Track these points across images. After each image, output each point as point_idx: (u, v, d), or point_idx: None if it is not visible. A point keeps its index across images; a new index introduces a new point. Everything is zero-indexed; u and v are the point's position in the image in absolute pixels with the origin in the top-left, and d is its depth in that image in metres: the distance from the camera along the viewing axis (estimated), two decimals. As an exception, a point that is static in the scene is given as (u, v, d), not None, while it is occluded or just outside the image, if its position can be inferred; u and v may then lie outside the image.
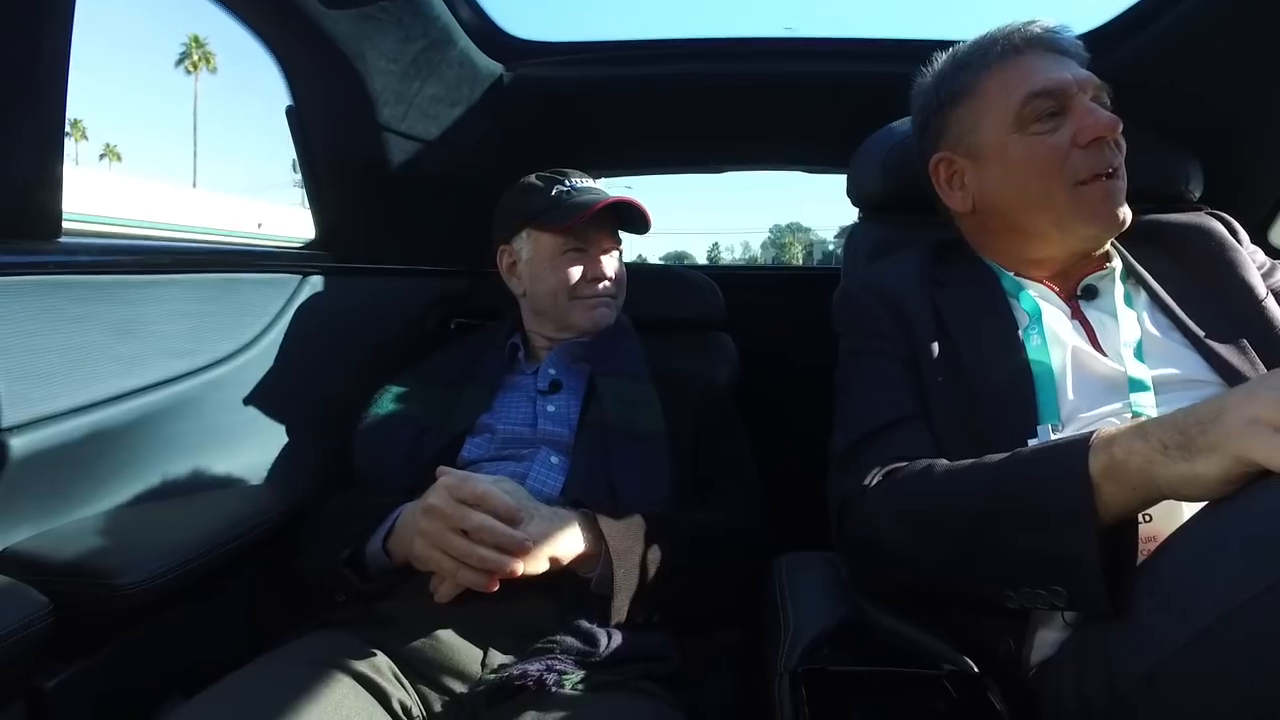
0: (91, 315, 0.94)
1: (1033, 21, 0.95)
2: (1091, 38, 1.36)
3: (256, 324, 1.21)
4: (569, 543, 0.85)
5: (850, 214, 1.37)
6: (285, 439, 1.24)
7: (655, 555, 0.88)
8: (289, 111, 1.35)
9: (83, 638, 0.85)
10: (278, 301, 1.25)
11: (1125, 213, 0.90)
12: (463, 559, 0.80)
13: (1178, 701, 0.55)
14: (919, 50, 1.09)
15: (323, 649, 0.82)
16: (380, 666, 0.81)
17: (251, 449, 1.18)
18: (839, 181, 1.39)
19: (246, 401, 1.18)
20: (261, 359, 1.21)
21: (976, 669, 0.71)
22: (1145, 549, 0.64)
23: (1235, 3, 1.19)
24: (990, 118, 0.94)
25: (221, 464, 1.12)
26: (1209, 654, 0.52)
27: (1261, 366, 0.84)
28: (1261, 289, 0.91)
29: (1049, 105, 0.90)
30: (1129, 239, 0.99)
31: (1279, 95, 1.27)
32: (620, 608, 0.85)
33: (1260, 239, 1.37)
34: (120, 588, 0.82)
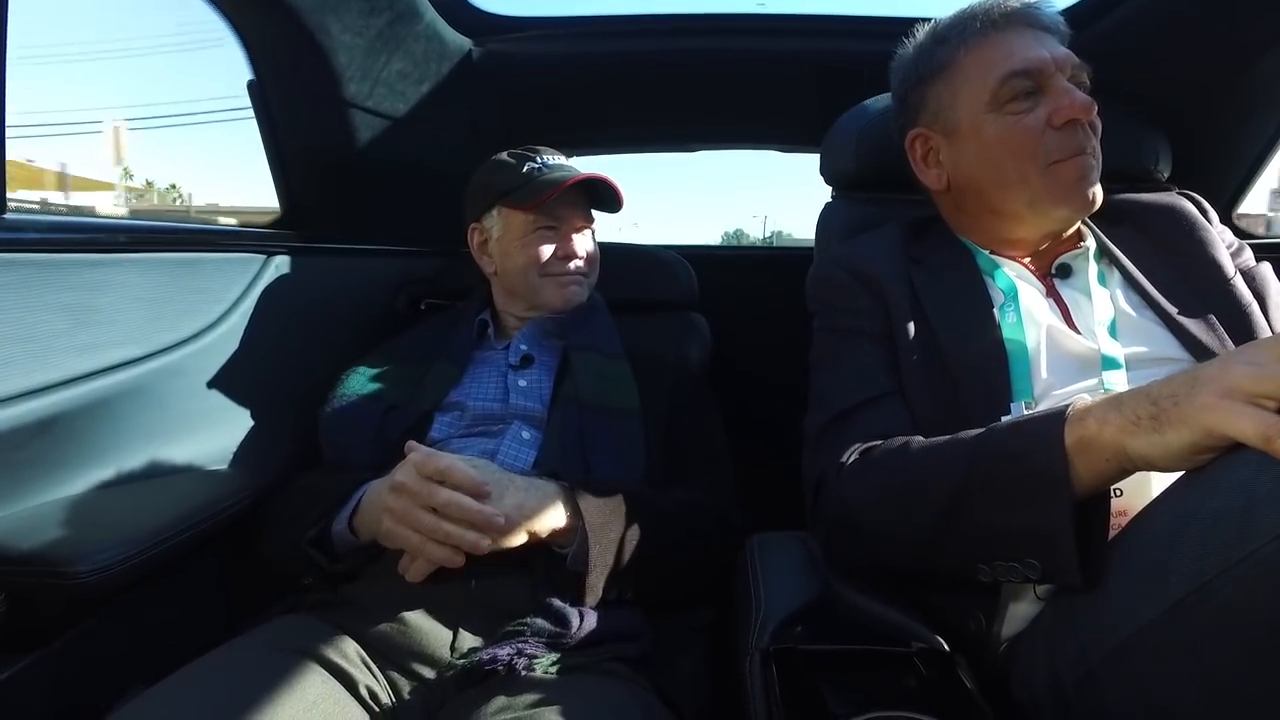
0: (42, 295, 0.90)
1: (1034, 4, 0.94)
2: (1063, 17, 1.37)
3: (219, 305, 1.18)
4: (547, 516, 0.84)
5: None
6: (251, 422, 1.21)
7: (632, 532, 0.87)
8: (250, 86, 1.31)
9: (37, 629, 0.82)
10: (241, 282, 1.22)
11: (1097, 193, 0.90)
12: (431, 535, 0.79)
13: (1146, 673, 0.55)
14: (892, 27, 1.09)
15: (288, 635, 0.81)
16: (347, 652, 0.80)
17: (216, 433, 1.16)
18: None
19: (210, 384, 1.15)
20: (225, 341, 1.18)
21: (947, 646, 0.71)
22: (1116, 523, 0.65)
23: None
24: (967, 95, 0.94)
25: (184, 448, 1.09)
26: (1178, 627, 0.52)
27: (1229, 343, 0.85)
28: (1230, 267, 0.93)
29: (1026, 85, 0.90)
30: (1103, 218, 1.00)
31: (1247, 78, 1.28)
32: (595, 584, 0.84)
33: (1226, 219, 1.39)
34: (73, 576, 0.80)
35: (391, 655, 0.81)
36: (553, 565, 0.87)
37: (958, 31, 0.95)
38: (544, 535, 0.84)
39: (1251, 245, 1.00)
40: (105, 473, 0.99)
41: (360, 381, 1.11)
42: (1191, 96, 1.33)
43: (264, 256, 1.27)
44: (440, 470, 0.81)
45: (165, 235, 1.12)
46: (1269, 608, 0.47)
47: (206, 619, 1.04)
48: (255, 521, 1.03)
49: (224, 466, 1.15)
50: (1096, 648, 0.59)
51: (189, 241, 1.14)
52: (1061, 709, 0.64)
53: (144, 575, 0.89)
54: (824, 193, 1.31)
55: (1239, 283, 0.91)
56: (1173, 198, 1.03)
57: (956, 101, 0.95)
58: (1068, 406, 0.63)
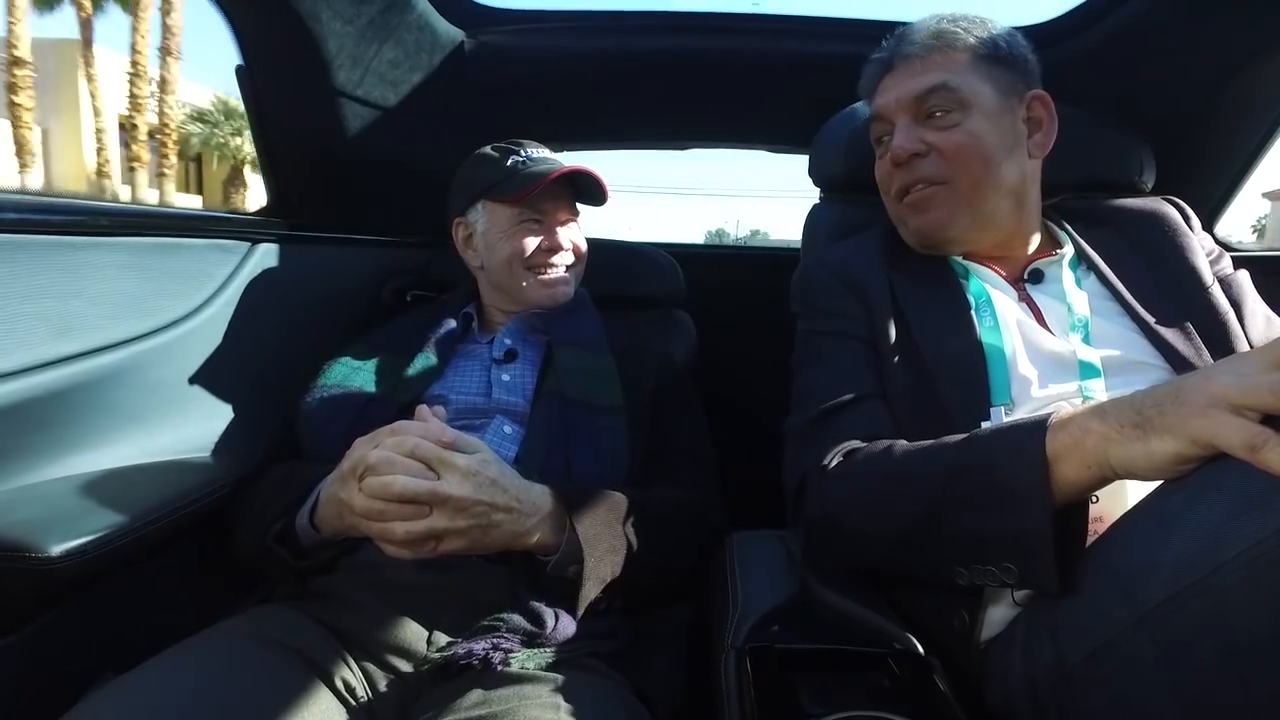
0: (20, 277, 0.89)
1: (902, 32, 1.00)
2: (1048, 29, 1.38)
3: (202, 291, 1.16)
4: (534, 530, 0.82)
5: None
6: (232, 411, 1.20)
7: (625, 543, 0.86)
8: (239, 71, 1.29)
9: (9, 614, 0.81)
10: (225, 268, 1.21)
11: (935, 219, 0.96)
12: (373, 515, 0.76)
13: (1121, 679, 0.56)
14: (883, 31, 1.09)
15: (264, 625, 0.80)
16: (323, 644, 0.79)
17: (196, 420, 1.15)
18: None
19: (191, 371, 1.14)
20: (208, 327, 1.16)
21: (923, 649, 0.71)
22: (1093, 529, 0.66)
23: None
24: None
25: (163, 436, 1.08)
26: (1154, 633, 0.53)
27: (1204, 350, 0.86)
28: (1208, 275, 0.94)
29: (882, 128, 1.01)
30: (1085, 222, 1.02)
31: (1229, 89, 1.30)
32: (589, 596, 0.83)
33: (1209, 229, 1.40)
34: (47, 562, 0.79)
35: (368, 647, 0.81)
36: (532, 561, 0.86)
37: (865, 79, 1.05)
38: (528, 542, 0.82)
39: (1231, 256, 1.01)
40: (82, 458, 0.98)
41: (342, 372, 1.10)
42: (1175, 107, 1.34)
43: (249, 244, 1.26)
44: (390, 430, 0.79)
45: (148, 219, 1.11)
46: (1243, 616, 0.48)
47: (183, 608, 1.03)
48: (228, 512, 1.02)
49: (204, 454, 1.14)
50: (1073, 652, 0.60)
51: (172, 226, 1.13)
52: (1037, 712, 0.65)
53: (119, 562, 0.88)
54: (794, 201, 1.32)
55: (1216, 290, 0.93)
56: (1157, 203, 1.05)
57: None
58: (1049, 415, 0.64)
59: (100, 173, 17.21)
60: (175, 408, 1.11)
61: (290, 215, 1.39)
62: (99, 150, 17.28)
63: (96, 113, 17.00)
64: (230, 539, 0.99)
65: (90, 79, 16.98)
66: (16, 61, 14.58)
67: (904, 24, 1.05)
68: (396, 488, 0.74)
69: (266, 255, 1.28)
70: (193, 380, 1.14)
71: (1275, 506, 0.47)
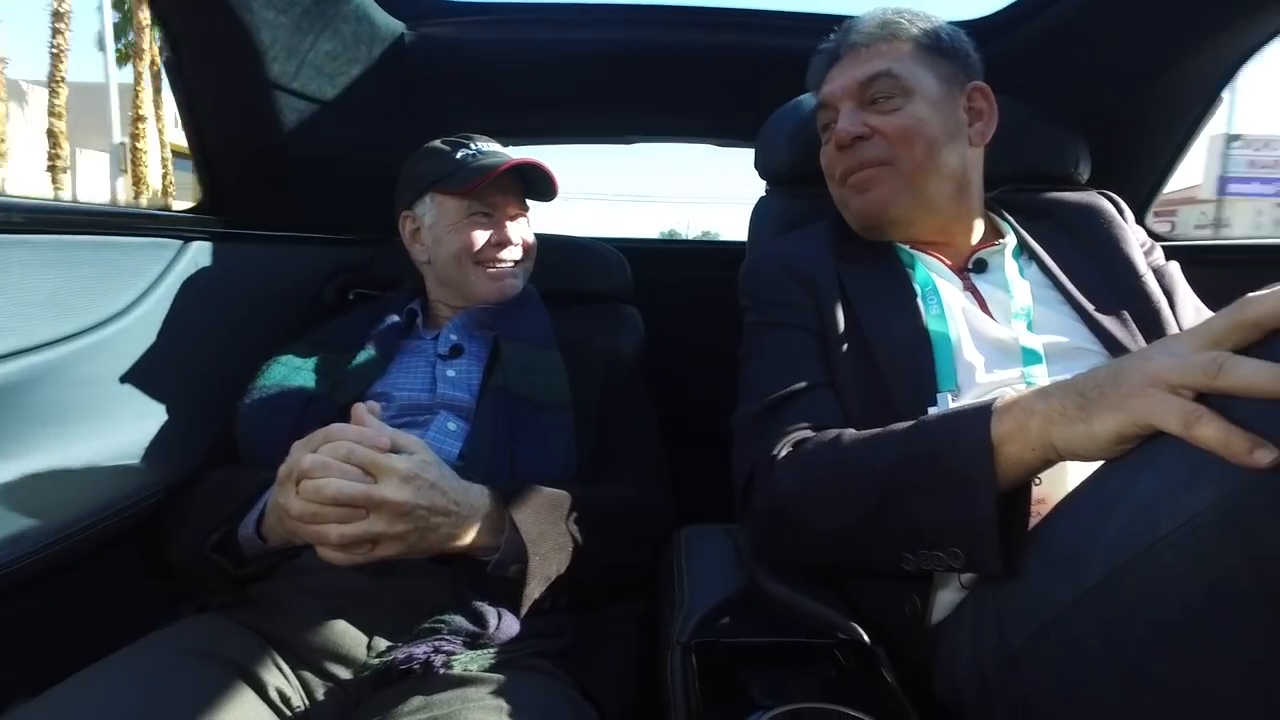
0: None
1: (849, 23, 1.04)
2: (990, 23, 1.41)
3: (129, 292, 1.12)
4: (472, 532, 0.81)
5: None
6: (165, 415, 1.15)
7: (569, 540, 0.85)
8: (166, 63, 1.24)
9: None
10: (155, 268, 1.16)
11: (874, 200, 0.99)
12: (307, 518, 0.74)
13: (1064, 657, 0.57)
14: (829, 24, 1.10)
15: (194, 636, 0.77)
16: (258, 653, 0.76)
17: (125, 426, 1.09)
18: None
19: (119, 375, 1.09)
20: (137, 328, 1.12)
21: (870, 638, 0.72)
22: (1036, 511, 0.67)
23: None
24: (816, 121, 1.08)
25: (89, 441, 1.03)
26: (1095, 611, 0.54)
27: (1139, 336, 0.89)
28: (1142, 265, 0.98)
29: (827, 115, 1.03)
30: (1026, 214, 1.05)
31: (1158, 86, 1.34)
32: (533, 595, 0.81)
33: (1140, 219, 1.45)
34: None
35: (304, 655, 0.78)
36: (473, 562, 0.84)
37: (817, 60, 1.07)
38: (466, 544, 0.81)
39: (1162, 246, 1.05)
40: (1, 464, 0.93)
41: (281, 372, 1.06)
42: (1109, 102, 1.38)
43: (181, 242, 1.21)
44: (326, 434, 0.77)
45: (70, 216, 1.06)
46: (1177, 590, 0.49)
47: (111, 622, 0.98)
48: (163, 520, 0.98)
49: (135, 459, 1.09)
50: (1017, 632, 0.61)
51: (95, 224, 1.08)
52: (983, 694, 0.65)
53: (40, 575, 0.84)
54: (739, 201, 1.33)
55: (1150, 280, 0.96)
56: (1093, 197, 1.08)
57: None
58: (993, 400, 0.65)
59: (165, 192, 21.25)
60: (103, 411, 1.06)
61: (225, 212, 1.35)
62: (163, 175, 21.43)
63: (162, 144, 21.04)
64: (165, 547, 0.95)
65: (159, 118, 20.91)
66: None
67: (848, 18, 1.07)
68: (331, 491, 0.72)
69: (200, 253, 1.24)
70: (122, 382, 1.09)
71: (1208, 481, 0.48)
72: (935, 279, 0.93)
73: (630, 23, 1.54)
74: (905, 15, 1.00)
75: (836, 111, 1.00)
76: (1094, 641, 0.55)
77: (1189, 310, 0.96)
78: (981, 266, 0.98)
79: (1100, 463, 0.60)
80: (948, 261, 0.98)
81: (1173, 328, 0.91)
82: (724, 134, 1.77)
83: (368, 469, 0.75)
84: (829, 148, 1.02)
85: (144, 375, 1.12)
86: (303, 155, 1.40)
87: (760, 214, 1.27)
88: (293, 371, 1.07)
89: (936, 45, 0.99)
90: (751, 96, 1.43)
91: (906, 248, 0.99)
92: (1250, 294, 0.51)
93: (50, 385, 0.98)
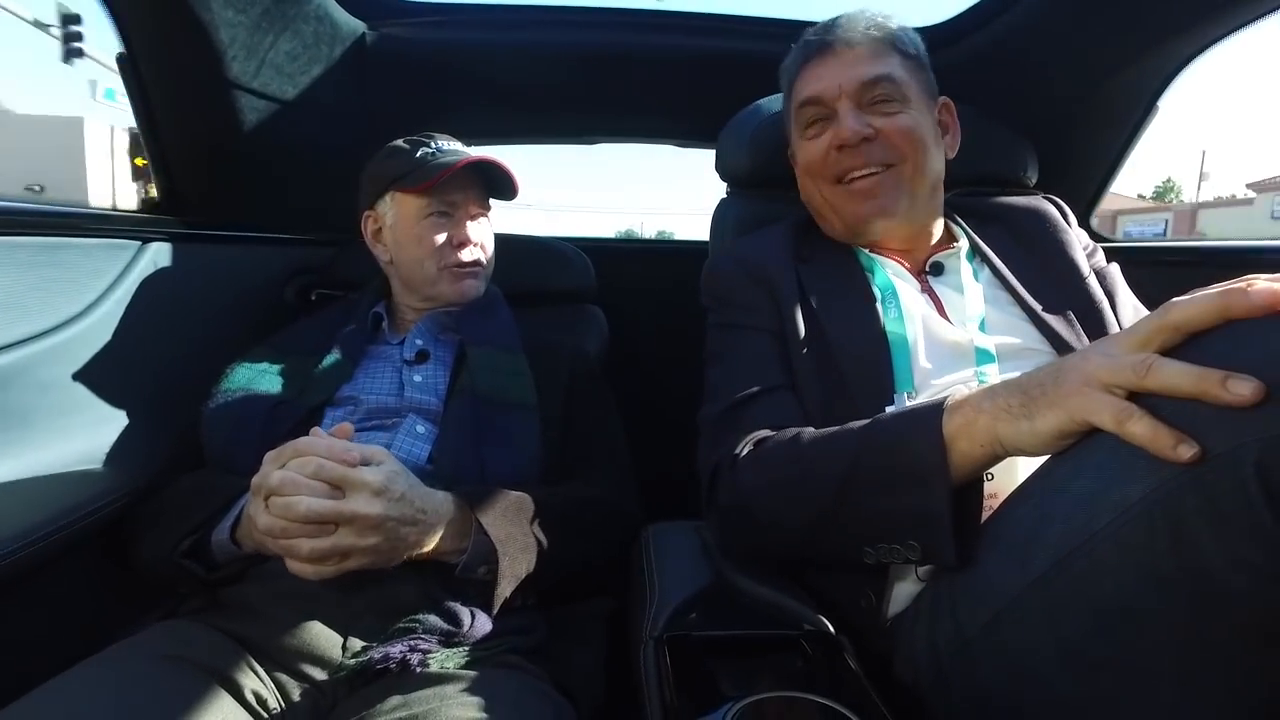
0: None
1: (836, 21, 1.03)
2: (936, 32, 1.46)
3: (86, 294, 1.09)
4: (438, 537, 0.82)
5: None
6: (125, 420, 1.13)
7: (536, 540, 0.87)
8: (120, 60, 1.22)
9: None
10: (112, 270, 1.14)
11: (883, 205, 0.99)
12: (275, 533, 0.74)
13: (1013, 642, 0.60)
14: (789, 29, 1.13)
15: (166, 641, 0.77)
16: (232, 656, 0.76)
17: (84, 431, 1.07)
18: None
19: (77, 379, 1.06)
20: (94, 332, 1.09)
21: (833, 629, 0.74)
22: (988, 505, 0.70)
23: (1072, 3, 1.29)
24: (791, 121, 1.07)
25: (48, 446, 1.00)
26: (1041, 597, 0.57)
27: (1084, 336, 0.93)
28: (1085, 267, 1.02)
29: (818, 111, 1.01)
30: (976, 218, 1.08)
31: (1102, 93, 1.40)
32: (503, 595, 0.83)
33: (1084, 222, 1.51)
34: None
35: (279, 657, 0.78)
36: (443, 564, 0.85)
37: (793, 58, 1.06)
38: (432, 549, 0.81)
39: (1103, 248, 1.10)
40: None
41: (245, 376, 1.05)
42: (1056, 108, 1.43)
43: (139, 243, 1.19)
44: (295, 449, 0.77)
45: (21, 217, 1.03)
46: (1113, 577, 0.53)
47: (74, 632, 0.97)
48: (128, 525, 0.96)
49: (94, 465, 1.06)
50: (971, 621, 0.64)
51: (48, 225, 1.06)
52: (940, 681, 0.68)
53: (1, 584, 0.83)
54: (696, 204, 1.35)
55: (1093, 281, 1.00)
56: (1039, 201, 1.12)
57: (788, 127, 1.08)
58: (946, 398, 0.68)
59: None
60: (63, 415, 1.04)
61: (184, 213, 1.32)
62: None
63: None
64: (130, 553, 0.94)
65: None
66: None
67: (811, 24, 1.09)
68: (301, 509, 0.73)
69: (159, 254, 1.22)
70: (78, 388, 1.07)
71: (1138, 476, 0.52)
72: (895, 282, 0.96)
73: (592, 25, 1.55)
74: (893, 22, 1.01)
75: (829, 109, 1.00)
76: (1040, 626, 0.58)
77: (1128, 310, 1.00)
78: (939, 269, 1.01)
79: (1046, 457, 0.63)
80: (906, 265, 1.01)
81: (1114, 327, 0.95)
82: (685, 135, 1.79)
83: (338, 484, 0.75)
84: (819, 145, 1.01)
85: (104, 378, 1.10)
86: (263, 155, 1.38)
87: (721, 215, 1.29)
88: (258, 375, 1.06)
89: (918, 58, 1.02)
90: (711, 99, 1.44)
91: (866, 251, 1.02)
92: (1175, 299, 0.53)
93: (8, 389, 0.96)
